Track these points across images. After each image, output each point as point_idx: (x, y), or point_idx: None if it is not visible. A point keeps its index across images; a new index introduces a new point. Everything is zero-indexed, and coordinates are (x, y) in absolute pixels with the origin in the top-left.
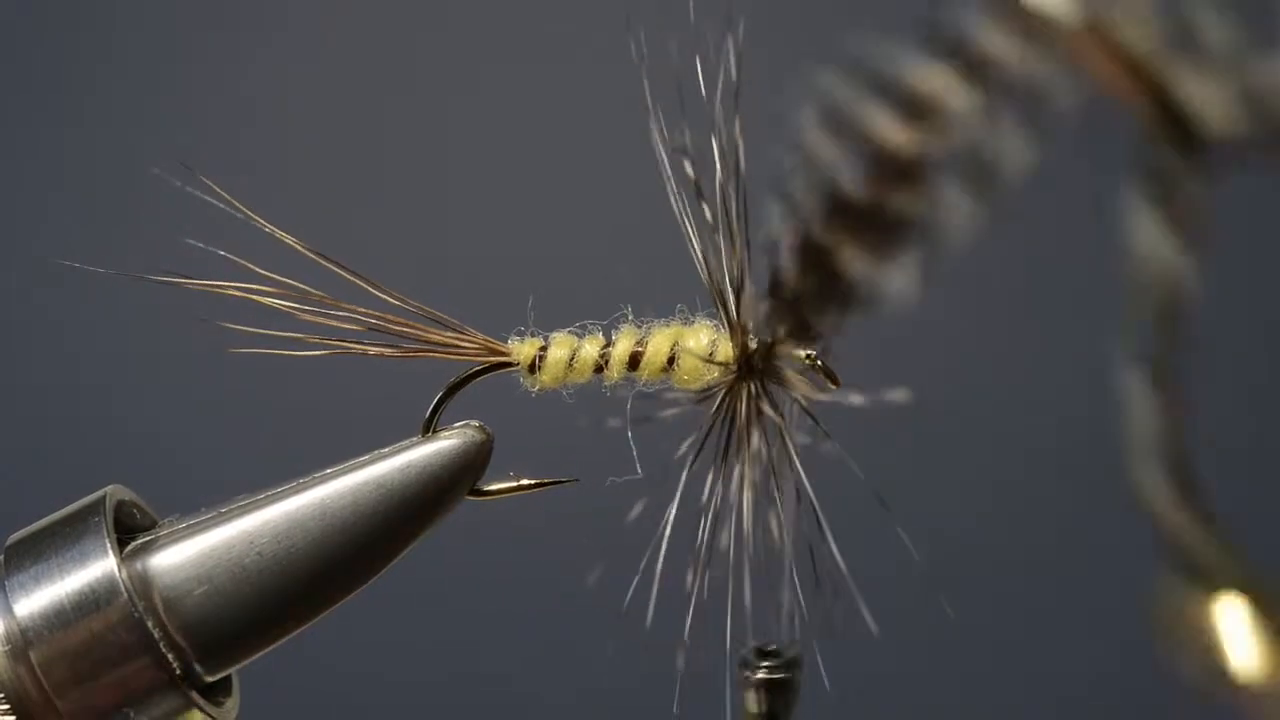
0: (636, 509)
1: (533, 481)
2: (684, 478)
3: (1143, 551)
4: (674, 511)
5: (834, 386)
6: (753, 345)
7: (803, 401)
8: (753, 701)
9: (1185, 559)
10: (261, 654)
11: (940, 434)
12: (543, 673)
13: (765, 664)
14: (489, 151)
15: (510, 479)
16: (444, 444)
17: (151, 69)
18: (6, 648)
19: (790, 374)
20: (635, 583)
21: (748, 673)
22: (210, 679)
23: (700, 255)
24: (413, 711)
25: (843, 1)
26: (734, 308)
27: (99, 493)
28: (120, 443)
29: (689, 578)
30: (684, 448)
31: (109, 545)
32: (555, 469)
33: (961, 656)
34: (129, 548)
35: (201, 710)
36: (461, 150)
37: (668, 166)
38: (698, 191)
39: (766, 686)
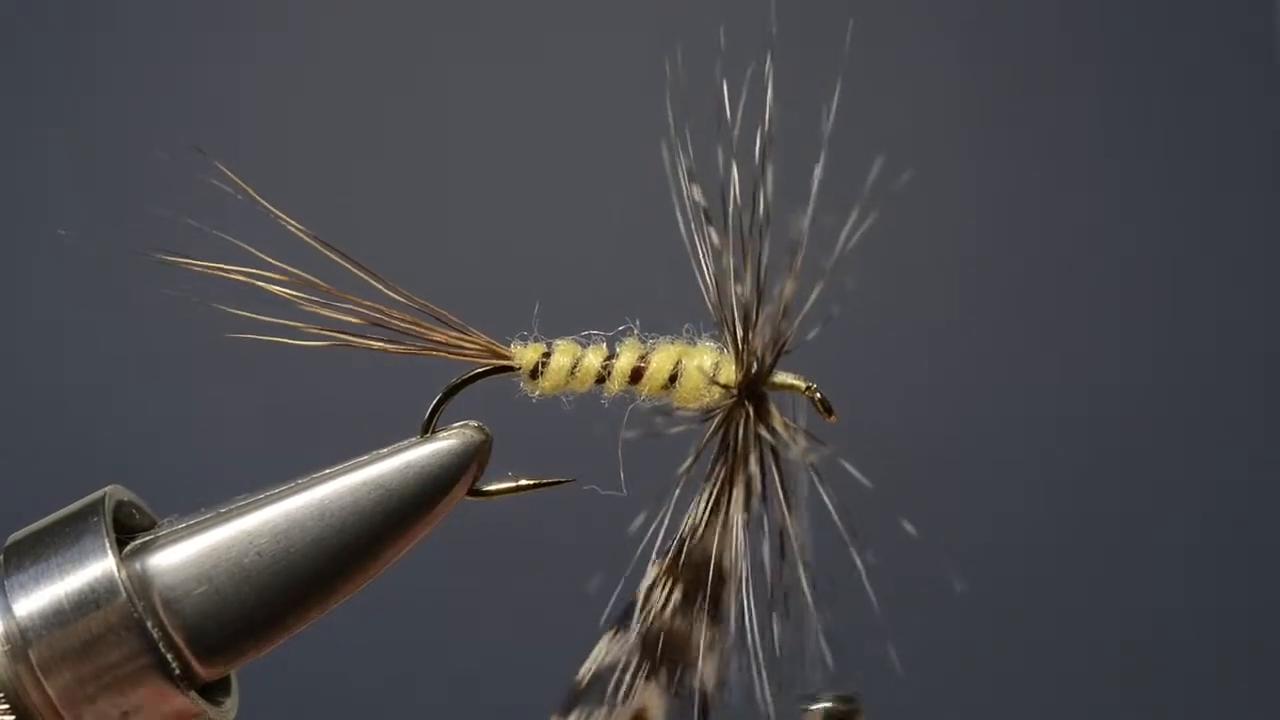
0: (634, 523)
1: (532, 482)
2: (675, 496)
3: (1144, 556)
4: (661, 531)
5: (831, 419)
6: (755, 371)
7: (790, 437)
8: None
9: None
10: (261, 654)
11: (942, 454)
12: (543, 672)
13: (826, 697)
14: (503, 154)
15: (509, 479)
16: (443, 444)
17: (157, 60)
18: (6, 647)
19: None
20: (616, 594)
21: (808, 705)
22: (210, 679)
23: (710, 277)
24: (412, 712)
25: (862, 16)
26: (740, 332)
27: (98, 493)
28: (120, 443)
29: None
30: (680, 469)
31: (108, 545)
32: (554, 470)
33: (956, 681)
34: (128, 548)
35: (201, 710)
36: (475, 151)
37: (684, 187)
38: (708, 217)
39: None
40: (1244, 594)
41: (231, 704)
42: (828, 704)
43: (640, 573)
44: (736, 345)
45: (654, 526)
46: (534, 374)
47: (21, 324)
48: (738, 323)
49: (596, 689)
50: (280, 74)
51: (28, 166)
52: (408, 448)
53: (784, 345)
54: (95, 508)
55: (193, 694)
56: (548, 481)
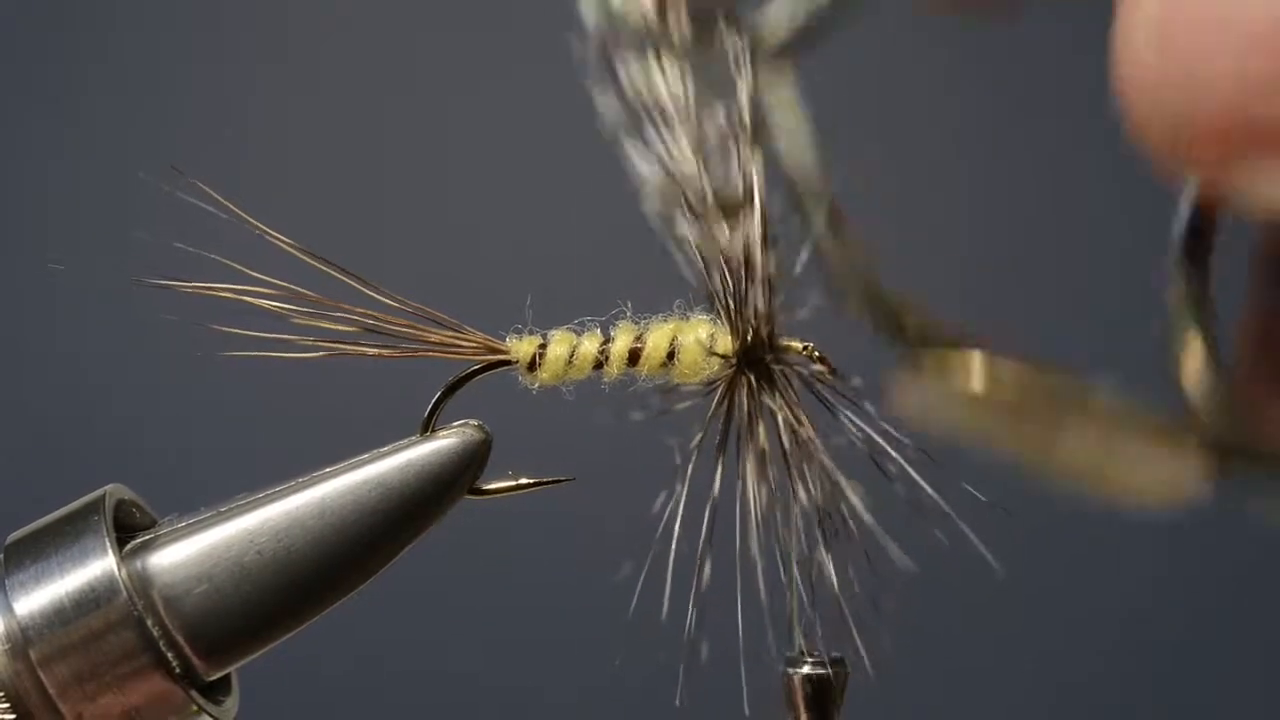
0: (656, 504)
1: (531, 480)
2: (689, 472)
3: (1143, 555)
4: (680, 507)
5: (831, 377)
6: (752, 338)
7: (796, 398)
8: (798, 699)
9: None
10: (261, 653)
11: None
12: (544, 671)
13: (811, 660)
14: (482, 150)
15: (509, 478)
16: (443, 443)
17: (146, 72)
18: (6, 646)
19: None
20: (607, 577)
21: (791, 669)
22: (210, 678)
23: (697, 249)
24: (412, 710)
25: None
26: (732, 301)
27: (99, 492)
28: (120, 443)
29: (696, 573)
30: (682, 442)
31: (108, 544)
32: (554, 468)
33: (971, 654)
34: (129, 547)
35: (201, 709)
36: (456, 149)
37: (664, 165)
38: (686, 197)
39: (811, 682)
40: (1245, 595)
41: (232, 703)
42: (810, 668)
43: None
44: (730, 314)
45: (666, 516)
46: (531, 366)
47: (21, 324)
48: (729, 292)
49: None
50: (270, 77)
51: (26, 169)
52: (408, 446)
53: (778, 309)
54: (95, 507)
55: (193, 693)
56: (548, 480)
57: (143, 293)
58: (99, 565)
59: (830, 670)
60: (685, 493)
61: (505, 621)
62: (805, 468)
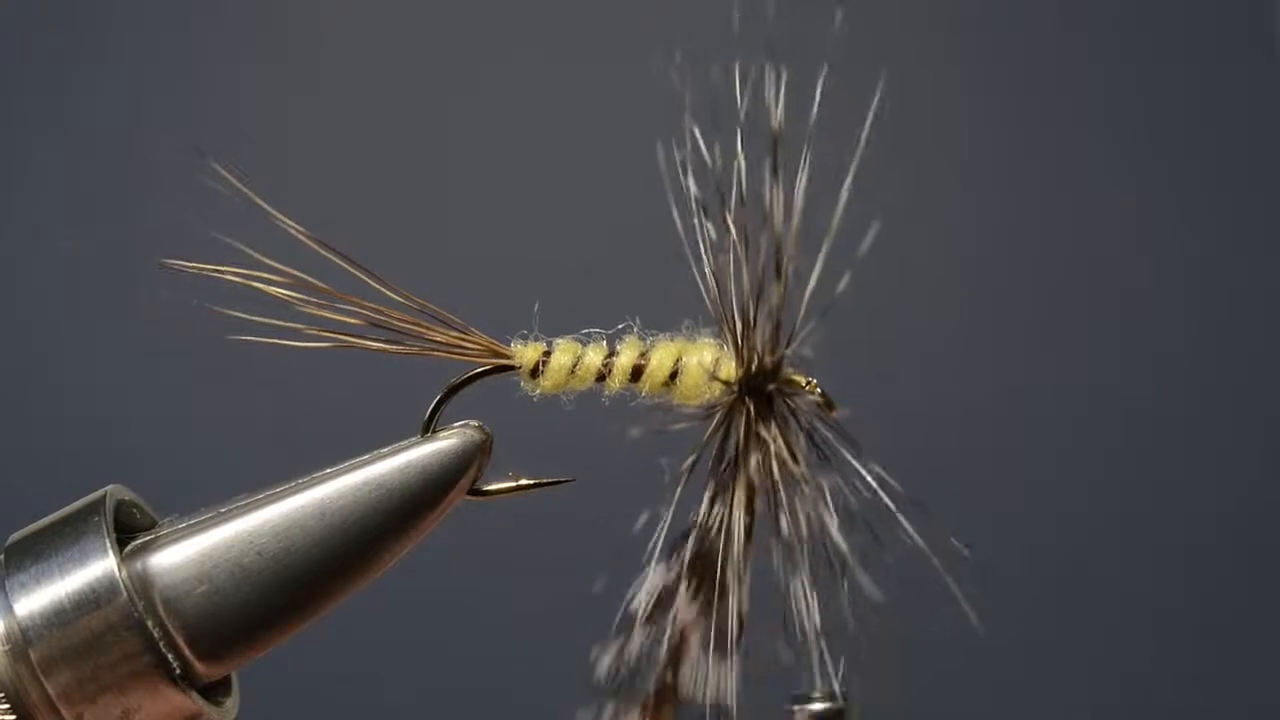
0: (639, 523)
1: (531, 481)
2: (678, 493)
3: (1144, 556)
4: (664, 529)
5: (831, 414)
6: (755, 367)
7: (803, 426)
8: None
9: None
10: (262, 654)
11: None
12: (543, 671)
13: (818, 697)
14: (502, 154)
15: (509, 479)
16: (443, 444)
17: (157, 60)
18: (7, 647)
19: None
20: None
21: (798, 707)
22: (210, 678)
23: (710, 274)
24: (411, 711)
25: (864, 17)
26: (740, 328)
27: (99, 492)
28: (120, 443)
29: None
30: (673, 462)
31: (109, 544)
32: (554, 470)
33: (955, 681)
34: (129, 547)
35: (201, 709)
36: (475, 151)
37: (683, 186)
38: (705, 213)
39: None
40: (1245, 594)
41: (232, 704)
42: (817, 706)
43: (643, 572)
44: (736, 342)
45: (657, 525)
46: (534, 373)
47: (21, 324)
48: (737, 319)
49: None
50: (280, 74)
51: (27, 166)
52: (408, 447)
53: (786, 341)
54: (96, 507)
55: (193, 693)
56: (547, 481)
57: (145, 292)
58: (99, 566)
59: (835, 708)
60: (670, 516)
61: (506, 622)
62: (792, 501)
